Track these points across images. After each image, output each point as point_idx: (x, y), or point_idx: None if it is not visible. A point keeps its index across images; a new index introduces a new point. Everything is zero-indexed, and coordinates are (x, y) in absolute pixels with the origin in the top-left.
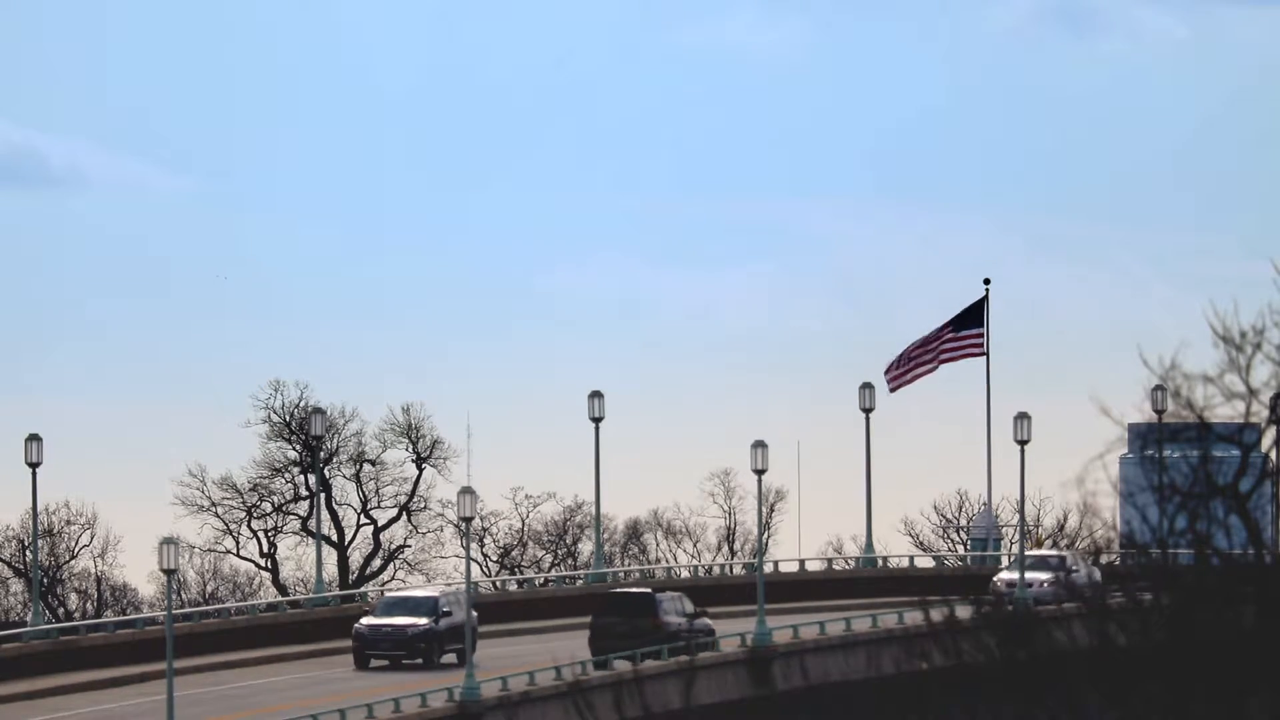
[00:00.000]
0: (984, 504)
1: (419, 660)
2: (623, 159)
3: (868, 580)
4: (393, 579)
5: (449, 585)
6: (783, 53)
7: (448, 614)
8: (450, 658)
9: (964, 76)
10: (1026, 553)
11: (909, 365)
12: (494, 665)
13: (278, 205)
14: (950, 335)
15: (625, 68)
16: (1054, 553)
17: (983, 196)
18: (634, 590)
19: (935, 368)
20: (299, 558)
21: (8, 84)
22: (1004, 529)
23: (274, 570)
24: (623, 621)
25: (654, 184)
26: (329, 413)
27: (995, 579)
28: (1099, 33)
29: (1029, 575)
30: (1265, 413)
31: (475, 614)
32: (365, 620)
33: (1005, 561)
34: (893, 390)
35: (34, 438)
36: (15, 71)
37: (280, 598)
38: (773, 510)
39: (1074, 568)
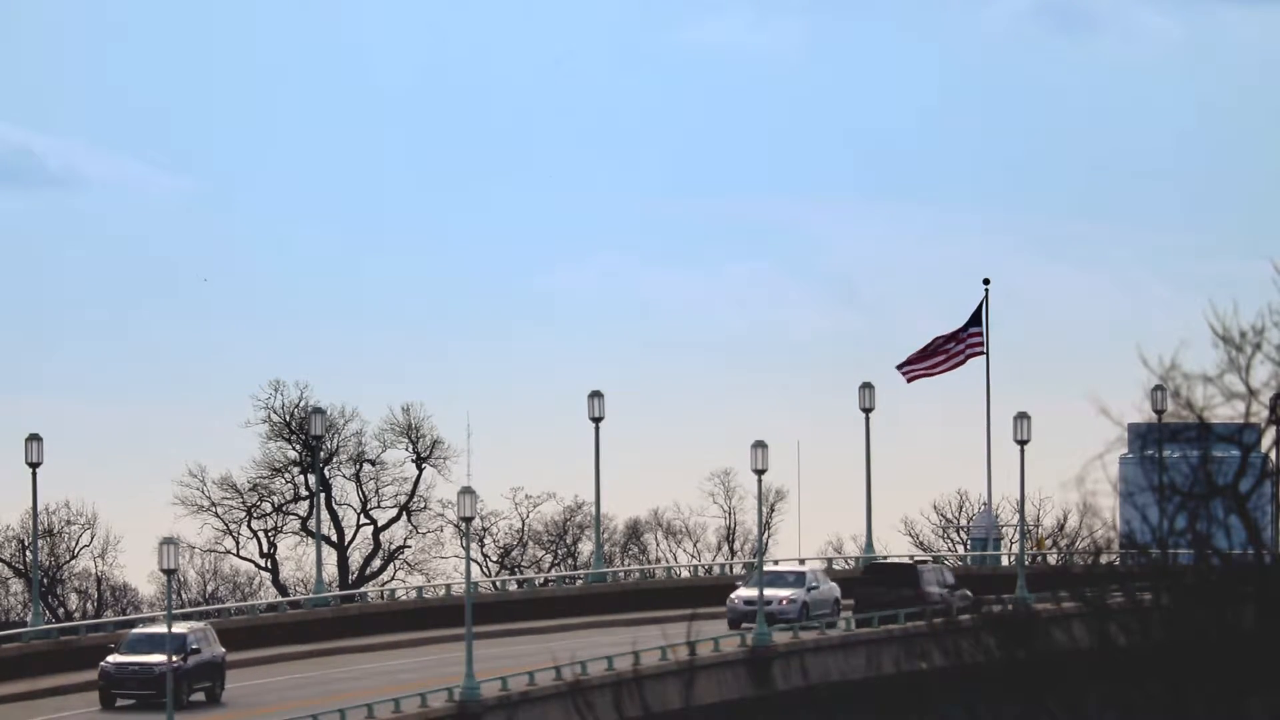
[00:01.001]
0: (984, 504)
1: (166, 699)
2: (622, 159)
3: None
4: (393, 579)
5: (198, 622)
6: (781, 52)
7: (196, 651)
8: (199, 696)
9: (962, 76)
10: (768, 569)
11: (931, 360)
12: (494, 665)
13: (277, 205)
14: (961, 335)
15: (626, 68)
16: (793, 568)
17: (982, 196)
18: (897, 562)
19: (960, 363)
20: (299, 558)
21: (5, 84)
22: (1004, 529)
23: (274, 570)
24: (886, 591)
25: (654, 184)
26: (329, 413)
27: (733, 595)
28: (1095, 32)
29: (766, 593)
30: (1265, 413)
31: (223, 650)
32: (111, 658)
33: (748, 575)
34: (910, 380)
35: (34, 438)
36: (13, 72)
37: (280, 598)
38: (773, 510)
39: (813, 584)
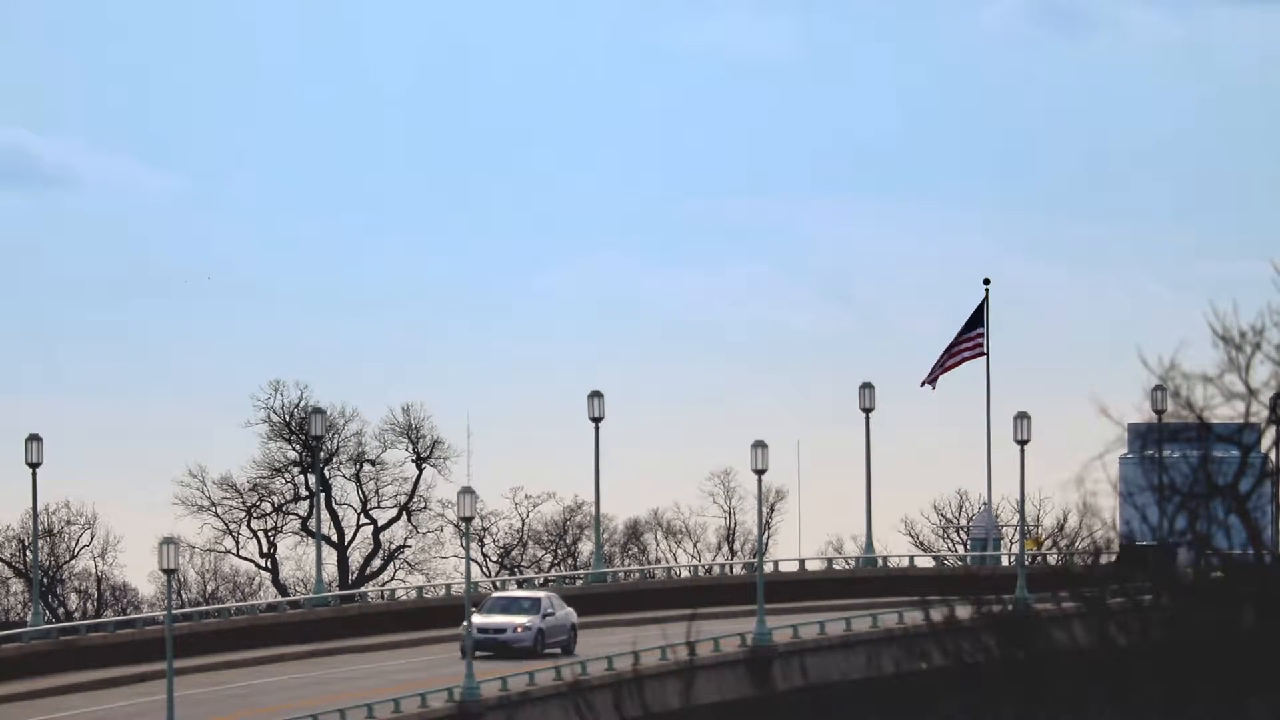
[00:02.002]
0: (984, 504)
1: None
2: (622, 159)
3: (868, 580)
4: (393, 579)
5: None
6: (777, 52)
7: None
8: None
9: (960, 76)
10: (502, 595)
11: (942, 365)
12: (494, 665)
13: (276, 205)
14: (963, 336)
15: (625, 68)
16: (529, 594)
17: (981, 196)
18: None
19: (959, 363)
20: (299, 558)
21: (2, 84)
22: (1004, 529)
23: (274, 570)
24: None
25: (653, 184)
26: (329, 413)
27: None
28: (1091, 32)
29: (501, 620)
30: (1265, 413)
31: None
32: None
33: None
34: (929, 385)
35: (34, 438)
36: (9, 71)
37: (280, 598)
38: (773, 510)
39: (549, 610)
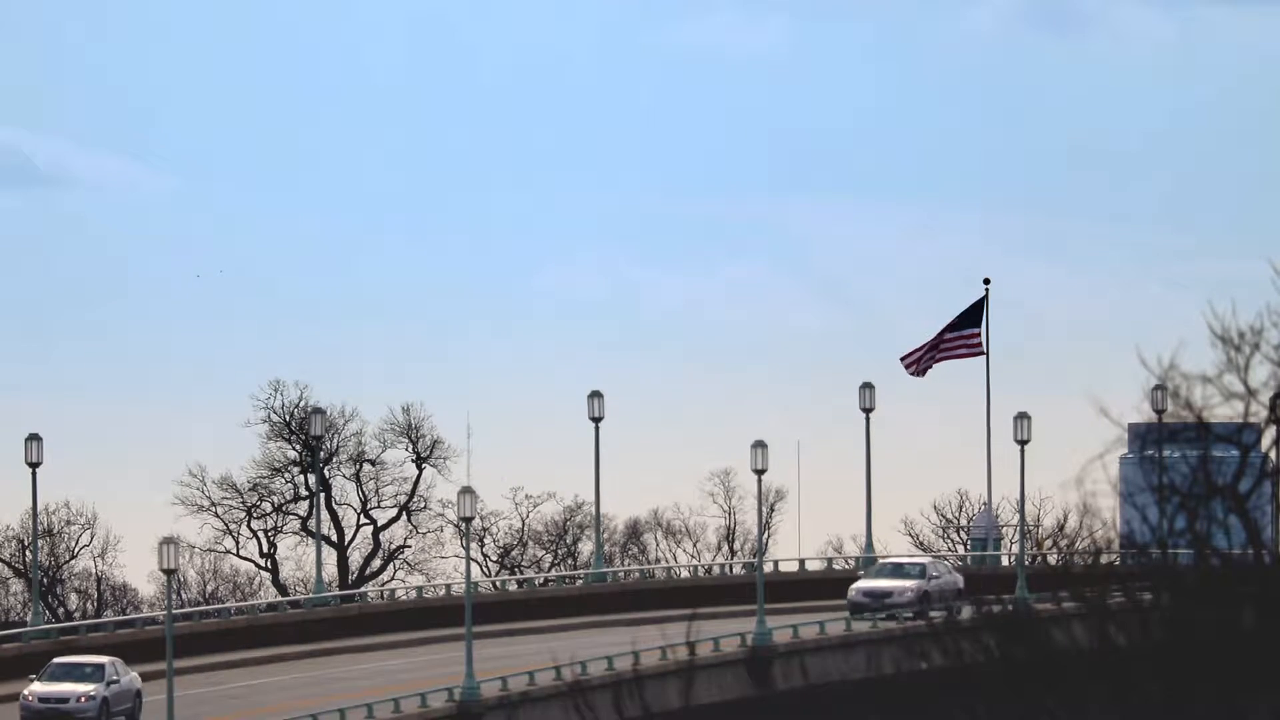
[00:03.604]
0: (984, 504)
1: None
2: (621, 159)
3: None
4: (393, 579)
5: None
6: (773, 51)
7: None
8: None
9: (958, 75)
10: (63, 660)
11: (929, 353)
12: (494, 665)
13: (275, 205)
14: (954, 333)
15: (623, 67)
16: (91, 660)
17: (980, 195)
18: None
19: (940, 359)
20: (299, 558)
21: None
22: (1004, 529)
23: (274, 570)
24: None
25: (652, 183)
26: (329, 413)
27: (25, 692)
28: (1084, 32)
29: (64, 688)
30: (1264, 413)
31: None
32: None
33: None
34: (918, 374)
35: (34, 438)
36: (3, 71)
37: (280, 598)
38: (773, 510)
39: (114, 678)
